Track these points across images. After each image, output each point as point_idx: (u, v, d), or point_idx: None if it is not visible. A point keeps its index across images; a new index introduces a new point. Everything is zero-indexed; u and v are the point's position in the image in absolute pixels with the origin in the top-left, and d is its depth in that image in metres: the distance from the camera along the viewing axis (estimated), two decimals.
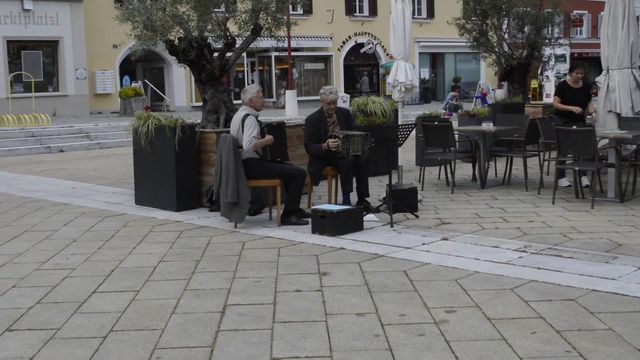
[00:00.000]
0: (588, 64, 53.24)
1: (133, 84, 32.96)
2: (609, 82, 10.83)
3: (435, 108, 29.32)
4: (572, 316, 5.23)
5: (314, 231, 8.21)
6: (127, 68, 35.13)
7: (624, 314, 5.26)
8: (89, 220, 9.37)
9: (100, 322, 5.36)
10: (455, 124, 13.26)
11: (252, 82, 39.47)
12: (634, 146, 10.34)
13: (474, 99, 35.89)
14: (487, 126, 11.58)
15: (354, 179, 9.30)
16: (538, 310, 5.39)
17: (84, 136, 22.31)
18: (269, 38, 10.95)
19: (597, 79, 11.38)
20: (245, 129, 8.49)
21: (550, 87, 32.94)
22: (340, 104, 33.30)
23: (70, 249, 7.81)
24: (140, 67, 37.82)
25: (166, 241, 8.06)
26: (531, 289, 5.91)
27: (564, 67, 33.14)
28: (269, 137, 8.69)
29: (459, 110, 19.65)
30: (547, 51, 19.85)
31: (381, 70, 43.41)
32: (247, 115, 8.61)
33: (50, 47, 31.38)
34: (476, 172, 11.78)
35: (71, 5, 31.05)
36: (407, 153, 14.38)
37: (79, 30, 31.34)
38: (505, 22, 19.65)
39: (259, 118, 8.86)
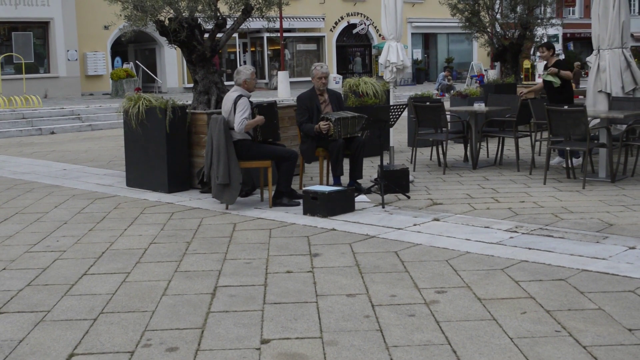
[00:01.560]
0: (580, 44, 53.32)
1: (124, 66, 32.81)
2: (599, 62, 10.82)
3: (428, 89, 29.29)
4: (563, 296, 5.25)
5: (305, 212, 8.20)
6: (119, 49, 34.95)
7: (614, 293, 5.27)
8: (80, 202, 9.34)
9: (91, 304, 5.35)
10: (447, 105, 13.24)
11: (245, 63, 39.32)
12: (625, 126, 10.35)
13: (469, 78, 35.85)
14: (479, 106, 11.57)
15: (349, 161, 9.28)
16: (528, 290, 5.40)
17: (75, 118, 22.22)
18: (260, 19, 10.89)
19: (587, 58, 11.37)
20: (238, 110, 8.46)
21: (542, 68, 32.95)
22: (332, 84, 33.27)
23: (61, 231, 7.79)
24: (131, 49, 37.63)
25: (157, 223, 8.04)
26: (522, 269, 5.92)
27: (557, 47, 33.09)
28: (259, 118, 8.66)
29: (452, 91, 19.58)
30: (540, 31, 19.84)
31: (374, 51, 43.29)
32: (240, 96, 8.57)
33: (41, 29, 31.18)
34: (468, 153, 11.78)
35: None
36: (398, 134, 14.37)
37: (69, 12, 31.14)
38: (498, 2, 19.61)
39: (250, 99, 8.83)
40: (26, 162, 13.68)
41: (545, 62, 12.03)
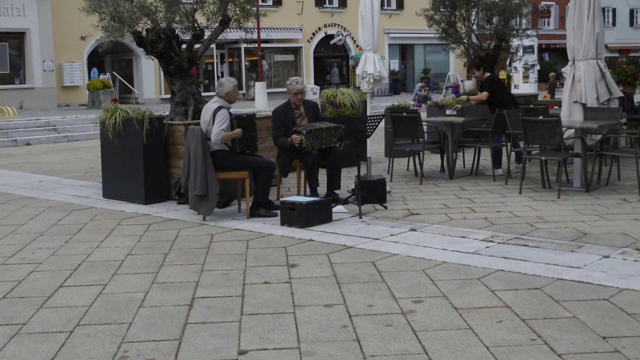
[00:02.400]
0: (556, 54, 53.81)
1: (101, 76, 32.68)
2: (574, 73, 10.92)
3: (405, 99, 29.39)
4: (538, 305, 5.29)
5: (283, 223, 8.21)
6: (96, 60, 34.79)
7: (589, 301, 5.32)
8: (56, 214, 9.29)
9: (67, 317, 5.32)
10: (424, 115, 13.32)
11: (222, 74, 39.30)
12: (599, 136, 10.46)
13: (444, 89, 36.06)
14: (452, 114, 11.70)
15: (326, 172, 9.28)
16: (504, 299, 5.44)
17: (51, 129, 22.09)
18: (237, 29, 10.91)
19: (563, 69, 11.48)
20: (216, 121, 8.46)
21: (518, 78, 33.19)
22: (310, 95, 33.30)
23: (37, 243, 7.75)
24: (108, 59, 37.48)
25: (134, 234, 8.02)
26: (498, 279, 5.96)
27: (532, 58, 33.39)
28: (237, 131, 8.67)
29: (428, 102, 19.70)
30: (515, 42, 19.98)
31: (351, 62, 43.42)
32: (219, 108, 8.57)
33: (16, 39, 31.01)
34: (444, 163, 11.84)
35: None
36: (375, 144, 14.42)
37: (46, 22, 30.99)
38: (474, 13, 19.73)
39: (229, 110, 8.83)
40: (1, 173, 13.58)
41: (480, 81, 12.31)
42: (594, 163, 10.44)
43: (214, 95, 8.88)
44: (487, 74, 12.09)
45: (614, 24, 58.35)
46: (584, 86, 10.80)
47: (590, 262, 6.37)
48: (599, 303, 5.29)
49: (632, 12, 58.51)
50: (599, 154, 10.48)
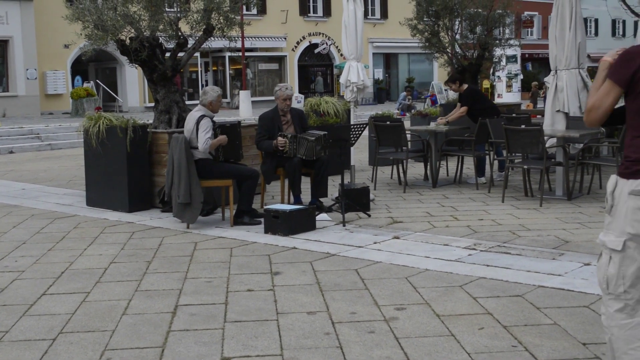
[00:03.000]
0: (539, 64, 54.16)
1: (85, 84, 32.58)
2: (557, 82, 11.01)
3: (389, 108, 29.50)
4: (519, 312, 5.33)
5: (266, 231, 8.23)
6: (79, 68, 34.70)
7: (569, 308, 5.37)
8: (39, 222, 9.27)
9: (50, 324, 5.31)
10: (407, 124, 13.38)
11: (206, 82, 39.29)
12: (581, 145, 10.55)
13: (425, 99, 36.19)
14: (436, 124, 11.75)
15: (313, 179, 9.29)
16: (486, 306, 5.48)
17: (35, 137, 22.01)
18: (221, 38, 10.93)
19: (545, 79, 11.58)
20: (201, 130, 8.47)
21: (501, 87, 33.36)
22: (294, 103, 33.33)
23: (20, 251, 7.72)
24: (92, 67, 37.40)
25: (117, 242, 8.01)
26: (480, 286, 6.00)
27: (515, 67, 33.58)
28: (223, 137, 8.69)
29: (412, 110, 19.81)
30: (498, 52, 20.11)
31: (335, 71, 43.54)
32: (202, 116, 8.59)
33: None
34: (428, 172, 11.90)
35: (21, 4, 30.60)
36: (359, 153, 14.47)
37: (29, 30, 30.89)
38: (457, 23, 19.85)
39: (213, 119, 8.85)
40: None
41: (458, 92, 12.40)
42: (576, 172, 10.52)
43: (198, 104, 8.90)
44: (465, 86, 12.15)
45: (596, 34, 58.83)
46: (566, 95, 10.90)
47: (572, 269, 6.43)
48: (579, 310, 5.34)
49: (614, 22, 59.03)
50: (581, 163, 10.57)
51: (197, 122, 8.53)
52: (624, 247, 3.61)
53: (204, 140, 8.44)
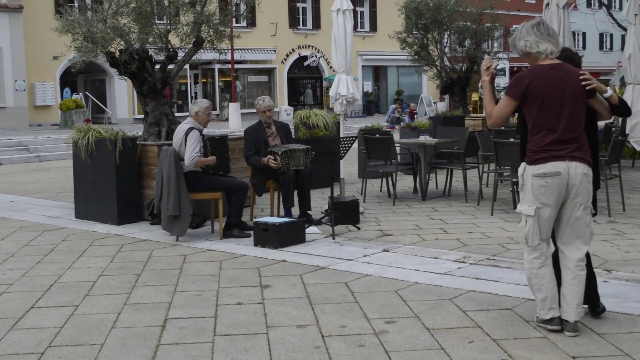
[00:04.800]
0: None
1: (74, 96, 32.50)
2: None
3: (378, 121, 29.58)
4: (509, 325, 5.34)
5: (256, 244, 8.22)
6: (68, 80, 34.63)
7: None
8: (28, 235, 9.23)
9: (38, 338, 5.29)
10: (397, 137, 13.41)
11: (196, 94, 39.32)
12: None
13: (404, 112, 36.20)
14: (425, 138, 11.77)
15: (297, 193, 9.34)
16: (476, 319, 5.48)
17: (23, 149, 21.96)
18: (211, 50, 10.95)
19: None
20: (188, 144, 8.46)
21: None
22: (283, 116, 33.35)
23: (8, 264, 7.68)
24: (81, 79, 37.33)
25: (106, 255, 7.98)
26: (469, 299, 6.01)
27: (504, 80, 33.74)
28: (212, 158, 8.69)
29: (401, 123, 19.84)
30: None
31: (325, 83, 43.63)
32: (191, 129, 8.58)
33: None
34: (417, 184, 11.92)
35: (10, 16, 30.55)
36: (349, 165, 14.48)
37: (18, 41, 30.83)
38: (446, 36, 19.96)
39: (202, 132, 8.85)
40: None
41: None
42: None
43: (187, 116, 8.90)
44: None
45: (584, 47, 59.16)
46: None
47: None
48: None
49: (601, 36, 59.43)
50: None
51: (186, 135, 8.53)
52: (535, 213, 5.08)
53: (191, 156, 8.42)
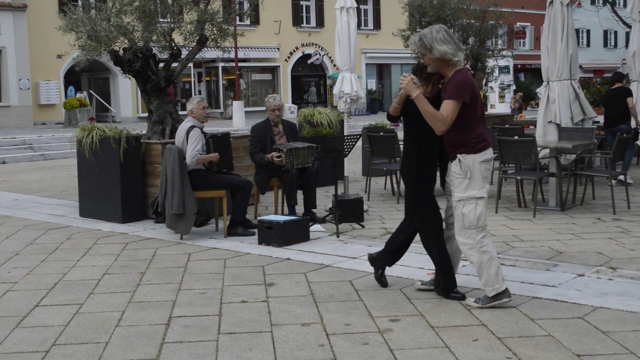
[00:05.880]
0: (531, 74, 54.34)
1: (78, 95, 32.53)
2: (549, 94, 11.06)
3: (382, 119, 29.54)
4: (514, 323, 5.34)
5: (260, 242, 8.22)
6: (72, 78, 34.65)
7: (564, 320, 5.38)
8: (32, 233, 9.24)
9: (43, 336, 5.29)
10: (401, 135, 13.38)
11: (199, 92, 39.31)
12: (574, 156, 10.58)
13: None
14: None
15: (302, 191, 9.33)
16: (480, 317, 5.48)
17: (27, 147, 21.97)
18: (215, 49, 10.94)
19: (537, 90, 11.64)
20: (189, 142, 8.46)
21: (494, 98, 33.46)
22: (287, 114, 33.36)
23: (13, 262, 7.69)
24: (85, 78, 37.37)
25: (111, 253, 7.99)
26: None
27: (508, 78, 33.70)
28: (214, 155, 8.69)
29: None
30: (491, 62, 20.20)
31: (328, 81, 43.59)
32: (192, 127, 8.59)
33: None
34: None
35: (14, 15, 30.58)
36: (353, 163, 14.48)
37: (22, 40, 30.86)
38: None
39: (205, 129, 8.85)
40: None
41: None
42: (569, 183, 10.54)
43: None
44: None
45: (588, 44, 59.11)
46: (558, 106, 10.94)
47: (565, 280, 6.44)
48: (573, 321, 5.34)
49: (605, 33, 59.30)
50: (574, 174, 10.60)
51: (187, 133, 8.53)
52: (484, 194, 5.67)
53: (192, 154, 8.43)
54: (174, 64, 10.70)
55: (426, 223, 6.14)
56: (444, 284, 6.03)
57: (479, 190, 5.65)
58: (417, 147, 6.04)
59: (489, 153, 5.71)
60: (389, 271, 6.86)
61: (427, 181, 6.16)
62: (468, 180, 5.66)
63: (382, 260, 6.44)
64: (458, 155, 5.67)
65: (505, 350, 4.79)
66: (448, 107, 5.55)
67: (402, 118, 6.09)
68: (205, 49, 10.78)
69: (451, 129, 5.63)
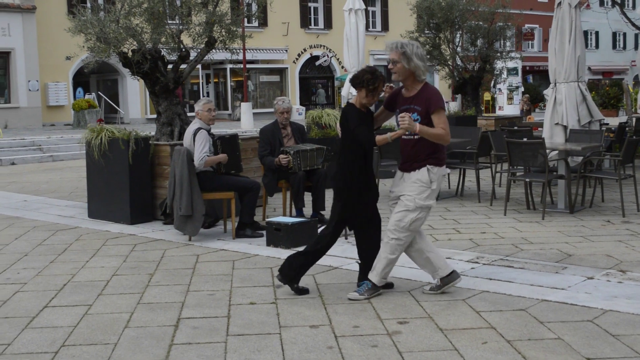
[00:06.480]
0: (540, 76, 54.23)
1: (86, 96, 32.63)
2: (556, 95, 11.03)
3: (391, 121, 29.50)
4: (523, 326, 5.32)
5: (268, 244, 8.22)
6: (81, 80, 34.76)
7: (573, 323, 5.36)
8: (41, 234, 9.26)
9: (52, 337, 5.30)
10: None
11: (207, 94, 39.37)
12: (582, 158, 10.55)
13: None
14: None
15: (311, 193, 9.33)
16: (489, 320, 5.47)
17: (36, 149, 22.04)
18: (223, 50, 10.96)
19: (545, 92, 11.60)
20: (196, 145, 8.47)
21: (502, 100, 33.39)
22: (295, 116, 33.40)
23: (22, 263, 7.71)
24: (94, 79, 37.47)
25: (120, 254, 8.00)
26: (483, 300, 5.99)
27: (516, 80, 33.62)
28: (222, 156, 8.70)
29: None
30: (499, 64, 20.17)
31: (336, 83, 43.60)
32: (198, 129, 8.60)
33: (1, 59, 30.95)
34: None
35: (23, 16, 30.70)
36: None
37: (31, 42, 30.97)
38: (458, 35, 19.92)
39: (213, 131, 8.86)
40: None
41: None
42: (578, 185, 10.51)
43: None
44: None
45: (596, 46, 58.98)
46: (565, 108, 10.91)
47: (575, 283, 6.42)
48: (583, 324, 5.33)
49: (614, 35, 59.16)
50: (583, 176, 10.57)
51: (194, 135, 8.54)
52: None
53: (200, 156, 8.44)
54: (183, 66, 10.72)
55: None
56: (294, 272, 6.25)
57: (432, 201, 6.04)
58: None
59: (446, 169, 6.16)
60: (396, 273, 6.85)
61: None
62: (430, 190, 5.98)
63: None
64: (428, 166, 5.97)
65: (514, 354, 4.78)
66: (442, 118, 5.94)
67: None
68: (214, 50, 10.79)
69: (427, 140, 5.95)
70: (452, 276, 6.19)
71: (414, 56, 5.94)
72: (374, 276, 6.12)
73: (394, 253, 6.11)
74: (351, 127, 6.13)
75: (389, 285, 6.34)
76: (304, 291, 6.28)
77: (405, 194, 6.07)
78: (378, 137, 6.09)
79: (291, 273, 6.24)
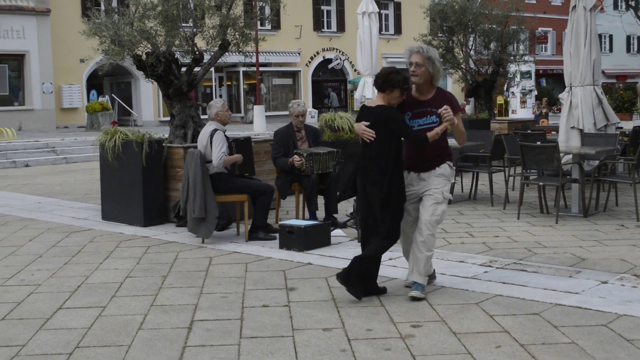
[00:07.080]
0: (553, 80, 54.07)
1: (100, 99, 32.78)
2: (571, 99, 11.00)
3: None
4: (536, 330, 5.30)
5: (281, 246, 8.23)
6: (94, 82, 34.92)
7: (587, 327, 5.34)
8: (55, 236, 9.30)
9: (66, 339, 5.33)
10: None
11: (220, 97, 39.45)
12: (597, 162, 10.51)
13: None
14: (450, 141, 11.72)
15: (323, 196, 9.34)
16: (503, 324, 5.45)
17: (50, 151, 22.14)
18: (236, 53, 10.98)
19: (560, 95, 11.56)
20: (214, 145, 8.50)
21: (516, 103, 33.33)
22: (307, 118, 33.36)
23: (36, 265, 7.75)
24: (107, 82, 37.63)
25: (133, 257, 8.03)
26: (496, 303, 5.97)
27: (529, 83, 33.55)
28: (238, 156, 8.72)
29: None
30: (513, 68, 20.13)
31: (349, 86, 43.62)
32: (215, 130, 8.62)
33: (16, 61, 31.13)
34: None
35: (37, 19, 30.87)
36: None
37: (45, 44, 31.14)
38: (471, 39, 19.89)
39: (226, 133, 8.89)
40: (0, 195, 13.59)
41: None
42: (592, 189, 10.47)
43: (208, 119, 8.95)
44: None
45: (610, 50, 58.75)
46: (581, 112, 10.89)
47: (589, 287, 6.39)
48: (597, 329, 5.30)
49: (628, 38, 58.96)
50: (597, 180, 10.52)
51: (210, 136, 8.56)
52: None
53: (219, 155, 8.46)
54: (196, 69, 10.75)
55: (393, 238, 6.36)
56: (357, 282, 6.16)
57: (449, 194, 6.33)
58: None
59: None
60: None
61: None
62: (450, 183, 6.33)
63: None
64: (447, 162, 6.32)
65: (528, 358, 4.76)
66: (460, 119, 6.33)
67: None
68: (227, 53, 10.82)
69: (443, 138, 6.27)
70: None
71: (437, 61, 6.17)
72: (419, 278, 6.19)
73: (431, 250, 6.22)
74: (402, 128, 6.15)
75: (382, 291, 6.35)
76: (382, 290, 6.38)
77: (431, 188, 6.20)
78: (429, 134, 6.16)
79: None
